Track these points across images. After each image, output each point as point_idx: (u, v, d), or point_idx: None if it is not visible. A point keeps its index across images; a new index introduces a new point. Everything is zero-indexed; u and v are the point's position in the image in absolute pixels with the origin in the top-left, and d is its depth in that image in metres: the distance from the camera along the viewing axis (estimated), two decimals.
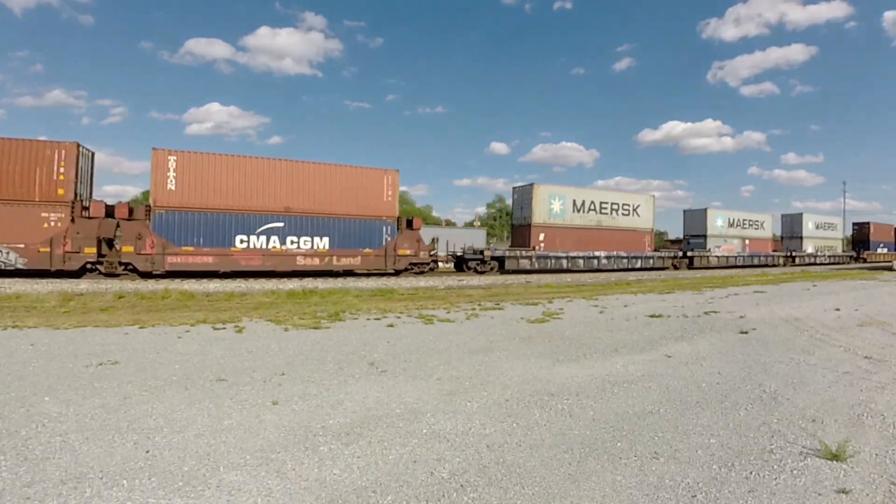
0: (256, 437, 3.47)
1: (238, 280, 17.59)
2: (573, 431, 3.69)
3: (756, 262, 36.08)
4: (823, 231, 44.05)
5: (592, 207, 25.85)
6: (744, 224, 36.51)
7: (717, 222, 34.45)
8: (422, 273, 21.32)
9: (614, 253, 26.77)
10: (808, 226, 42.44)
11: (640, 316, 9.73)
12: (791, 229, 43.17)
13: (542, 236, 24.05)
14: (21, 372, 5.03)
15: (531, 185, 24.31)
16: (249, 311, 9.90)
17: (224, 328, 7.76)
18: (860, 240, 49.56)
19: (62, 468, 2.94)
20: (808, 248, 41.16)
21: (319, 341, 6.89)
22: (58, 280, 15.46)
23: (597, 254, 25.67)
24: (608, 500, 2.70)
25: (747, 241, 36.21)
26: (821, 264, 40.84)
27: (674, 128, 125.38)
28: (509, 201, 28.29)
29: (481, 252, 23.02)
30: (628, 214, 27.52)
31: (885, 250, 50.92)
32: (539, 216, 24.12)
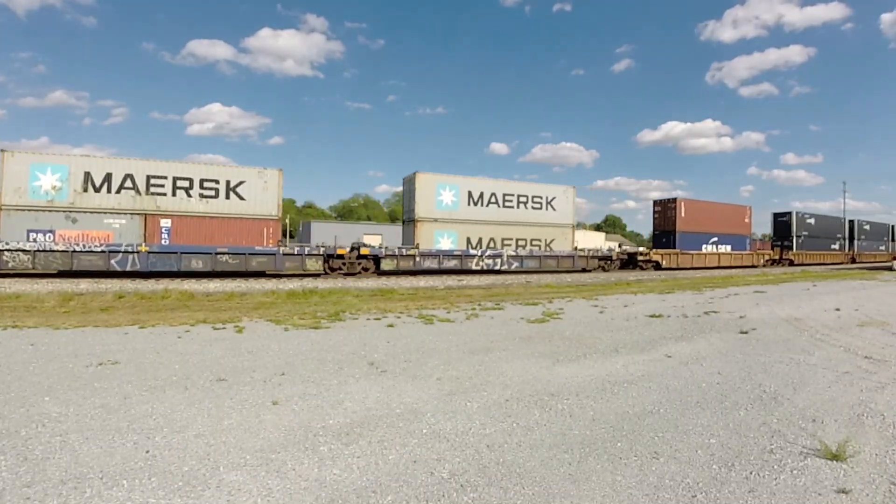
0: (256, 437, 3.47)
1: (238, 280, 17.64)
2: (573, 431, 3.68)
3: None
4: (499, 210, 23.43)
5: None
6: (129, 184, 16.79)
7: (36, 182, 16.02)
8: None
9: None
10: (441, 198, 22.12)
11: (640, 316, 9.73)
12: (409, 206, 22.86)
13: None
14: (21, 372, 5.03)
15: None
16: (249, 311, 9.90)
17: (224, 328, 7.75)
18: (663, 230, 30.52)
19: (62, 468, 2.94)
20: (441, 242, 22.20)
21: (319, 341, 6.89)
22: (58, 280, 15.46)
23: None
24: (608, 500, 2.69)
25: (144, 225, 17.04)
26: (496, 273, 22.92)
27: (673, 128, 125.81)
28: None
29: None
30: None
31: (726, 248, 32.24)
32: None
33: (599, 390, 4.74)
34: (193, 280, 17.05)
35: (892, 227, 53.53)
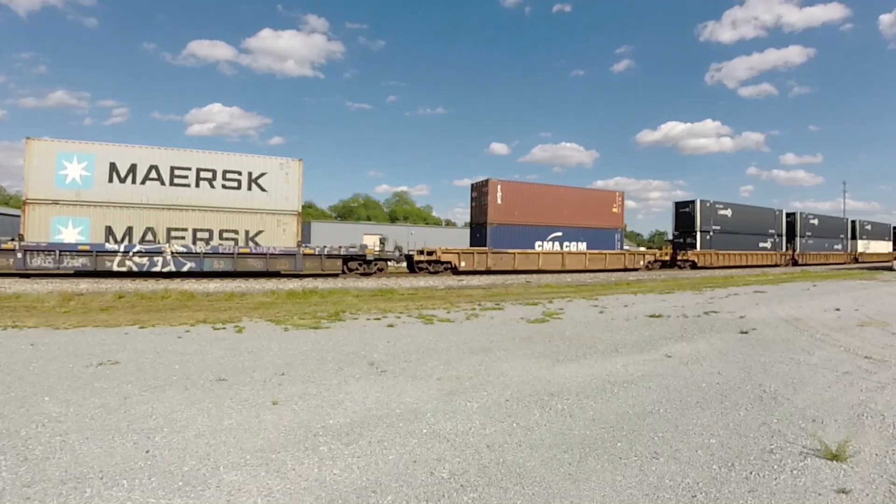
0: (256, 437, 3.47)
1: (238, 280, 17.61)
2: (573, 431, 3.68)
3: None
4: (164, 190, 17.53)
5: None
6: None
7: None
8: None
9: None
10: (65, 172, 16.57)
11: (640, 316, 9.73)
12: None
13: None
14: (21, 372, 5.03)
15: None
16: (249, 311, 9.90)
17: (224, 328, 7.75)
18: (477, 223, 24.31)
19: (62, 468, 2.94)
20: (64, 232, 16.51)
21: (319, 341, 6.88)
22: (58, 280, 15.46)
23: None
24: (608, 500, 2.69)
25: None
26: (154, 276, 17.24)
27: (672, 128, 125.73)
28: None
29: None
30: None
31: (579, 245, 25.44)
32: None
33: (599, 390, 4.74)
34: (193, 280, 17.05)
35: (853, 222, 46.47)
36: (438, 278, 20.27)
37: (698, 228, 31.22)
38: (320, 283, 16.68)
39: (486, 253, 22.95)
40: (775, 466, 3.11)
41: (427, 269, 21.82)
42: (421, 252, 22.16)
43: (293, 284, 16.09)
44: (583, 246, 25.93)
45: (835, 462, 3.14)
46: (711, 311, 10.63)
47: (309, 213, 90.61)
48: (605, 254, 26.60)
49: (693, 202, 31.70)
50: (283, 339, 7.03)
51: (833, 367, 5.76)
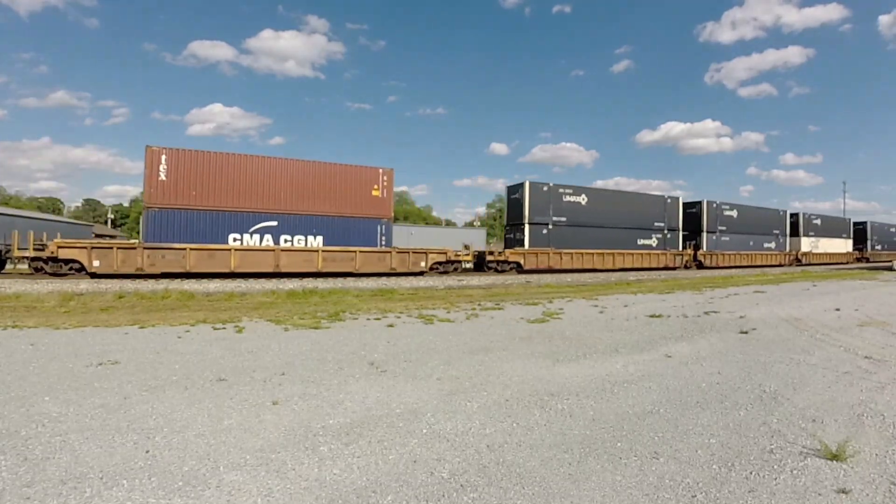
0: (256, 437, 3.47)
1: (238, 280, 17.59)
2: (573, 431, 3.68)
3: None
4: None
5: None
6: None
7: None
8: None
9: None
10: None
11: (640, 316, 9.72)
12: None
13: None
14: (21, 372, 5.03)
15: None
16: (249, 311, 9.90)
17: (224, 328, 7.75)
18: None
19: (62, 468, 2.94)
20: None
21: (319, 341, 6.88)
22: (58, 280, 15.46)
23: None
24: (608, 500, 2.69)
25: None
26: None
27: (672, 128, 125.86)
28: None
29: None
30: None
31: (311, 240, 18.35)
32: None
33: (599, 390, 4.74)
34: (193, 280, 17.04)
35: (795, 216, 38.37)
36: (439, 278, 20.24)
37: (527, 220, 23.28)
38: (320, 283, 16.68)
39: (137, 248, 16.50)
40: (775, 466, 3.11)
41: (44, 269, 16.33)
42: (11, 247, 16.51)
43: (293, 284, 16.09)
44: (317, 241, 18.94)
45: (835, 462, 3.14)
46: (711, 311, 10.63)
47: None
48: (355, 251, 19.30)
49: (522, 185, 23.77)
50: (284, 338, 7.03)
51: (833, 367, 5.76)
